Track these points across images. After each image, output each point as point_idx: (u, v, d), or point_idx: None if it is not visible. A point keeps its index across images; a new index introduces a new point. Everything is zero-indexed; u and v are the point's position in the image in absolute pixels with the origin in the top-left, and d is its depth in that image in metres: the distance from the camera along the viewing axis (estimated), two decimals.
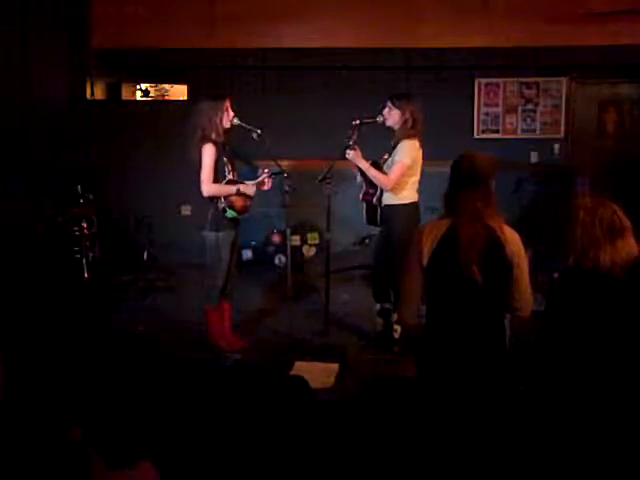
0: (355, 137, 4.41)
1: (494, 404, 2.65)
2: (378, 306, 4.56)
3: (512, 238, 2.65)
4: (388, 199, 4.43)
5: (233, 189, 4.25)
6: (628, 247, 2.59)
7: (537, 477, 2.61)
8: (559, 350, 2.66)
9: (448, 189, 2.74)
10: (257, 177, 4.44)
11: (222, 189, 4.25)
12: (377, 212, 4.50)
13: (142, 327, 4.96)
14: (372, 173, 4.37)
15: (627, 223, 2.63)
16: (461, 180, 2.70)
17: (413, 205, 4.44)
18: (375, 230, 4.74)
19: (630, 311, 2.57)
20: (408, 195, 4.41)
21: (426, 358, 2.81)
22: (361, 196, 4.58)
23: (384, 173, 4.38)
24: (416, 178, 4.43)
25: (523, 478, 2.62)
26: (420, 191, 4.51)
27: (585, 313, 2.60)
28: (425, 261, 2.66)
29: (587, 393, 2.55)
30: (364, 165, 4.39)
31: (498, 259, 2.61)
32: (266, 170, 4.45)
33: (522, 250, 2.67)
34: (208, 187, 4.21)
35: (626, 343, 2.56)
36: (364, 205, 4.58)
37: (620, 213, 2.62)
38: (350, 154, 4.38)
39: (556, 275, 5.56)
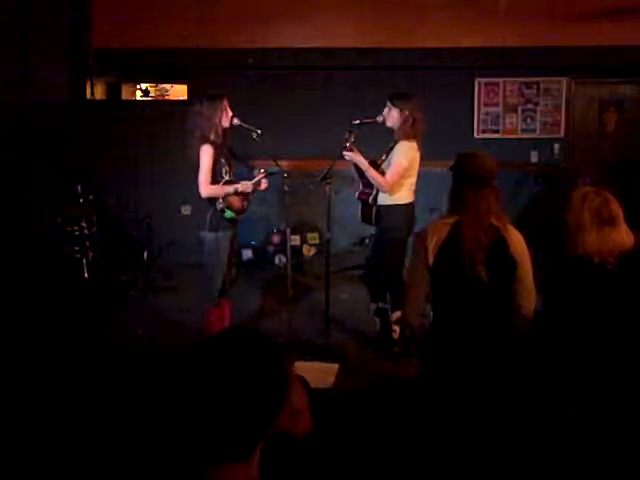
0: (353, 137, 4.39)
1: (499, 404, 2.65)
2: (374, 306, 4.56)
3: (516, 237, 2.68)
4: (384, 199, 4.42)
5: (231, 189, 4.24)
6: (617, 236, 2.57)
7: (538, 476, 2.60)
8: (556, 342, 2.65)
9: (452, 188, 2.74)
10: (254, 177, 4.44)
11: (220, 190, 4.23)
12: (372, 212, 4.50)
13: (142, 327, 4.96)
14: (371, 173, 4.36)
15: (618, 213, 2.60)
16: (466, 179, 2.70)
17: (409, 206, 4.43)
18: (375, 230, 4.74)
19: (622, 304, 2.55)
20: (404, 196, 4.40)
21: (431, 357, 2.80)
22: (357, 195, 4.58)
23: (382, 174, 4.38)
24: (413, 179, 4.42)
25: (524, 478, 2.62)
26: (420, 191, 4.51)
27: (577, 305, 2.58)
28: (431, 260, 2.66)
29: (586, 390, 2.54)
30: (364, 165, 4.37)
31: (503, 258, 2.62)
32: (262, 170, 4.43)
33: (525, 249, 2.70)
34: (206, 189, 4.19)
35: (618, 336, 2.53)
36: (359, 204, 4.58)
37: (612, 203, 2.60)
38: (349, 154, 4.37)
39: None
